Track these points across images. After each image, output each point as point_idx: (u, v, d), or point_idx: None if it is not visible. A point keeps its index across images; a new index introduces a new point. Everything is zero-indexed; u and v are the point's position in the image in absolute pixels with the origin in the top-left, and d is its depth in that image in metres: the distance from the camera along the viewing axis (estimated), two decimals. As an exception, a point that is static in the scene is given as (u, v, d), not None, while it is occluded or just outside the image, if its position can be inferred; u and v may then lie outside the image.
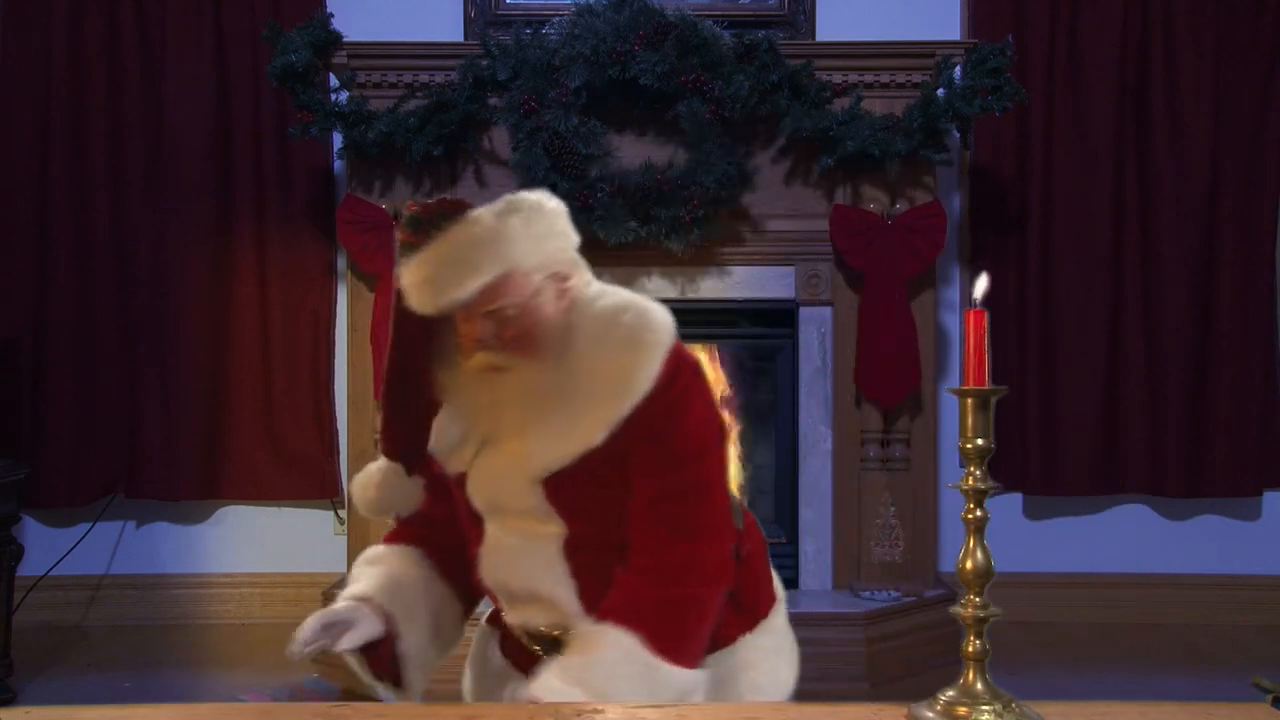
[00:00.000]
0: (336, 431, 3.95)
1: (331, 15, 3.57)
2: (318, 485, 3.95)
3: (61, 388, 3.87)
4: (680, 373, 1.56)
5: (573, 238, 1.61)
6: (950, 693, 1.25)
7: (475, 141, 3.50)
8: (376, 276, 3.48)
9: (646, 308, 1.60)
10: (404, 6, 3.94)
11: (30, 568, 3.67)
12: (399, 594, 1.68)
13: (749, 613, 1.69)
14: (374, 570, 1.71)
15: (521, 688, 1.63)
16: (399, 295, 1.58)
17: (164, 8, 3.88)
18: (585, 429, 1.52)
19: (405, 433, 1.66)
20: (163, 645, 3.73)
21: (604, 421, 1.52)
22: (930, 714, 1.25)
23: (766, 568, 1.76)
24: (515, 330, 1.52)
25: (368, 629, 1.63)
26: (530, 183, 3.34)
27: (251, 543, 4.02)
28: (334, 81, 3.55)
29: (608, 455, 1.52)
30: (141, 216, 3.90)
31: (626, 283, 1.68)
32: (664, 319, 1.59)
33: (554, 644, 1.61)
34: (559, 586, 1.57)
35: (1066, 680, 3.35)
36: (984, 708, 1.22)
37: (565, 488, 1.54)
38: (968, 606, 1.26)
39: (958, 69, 3.45)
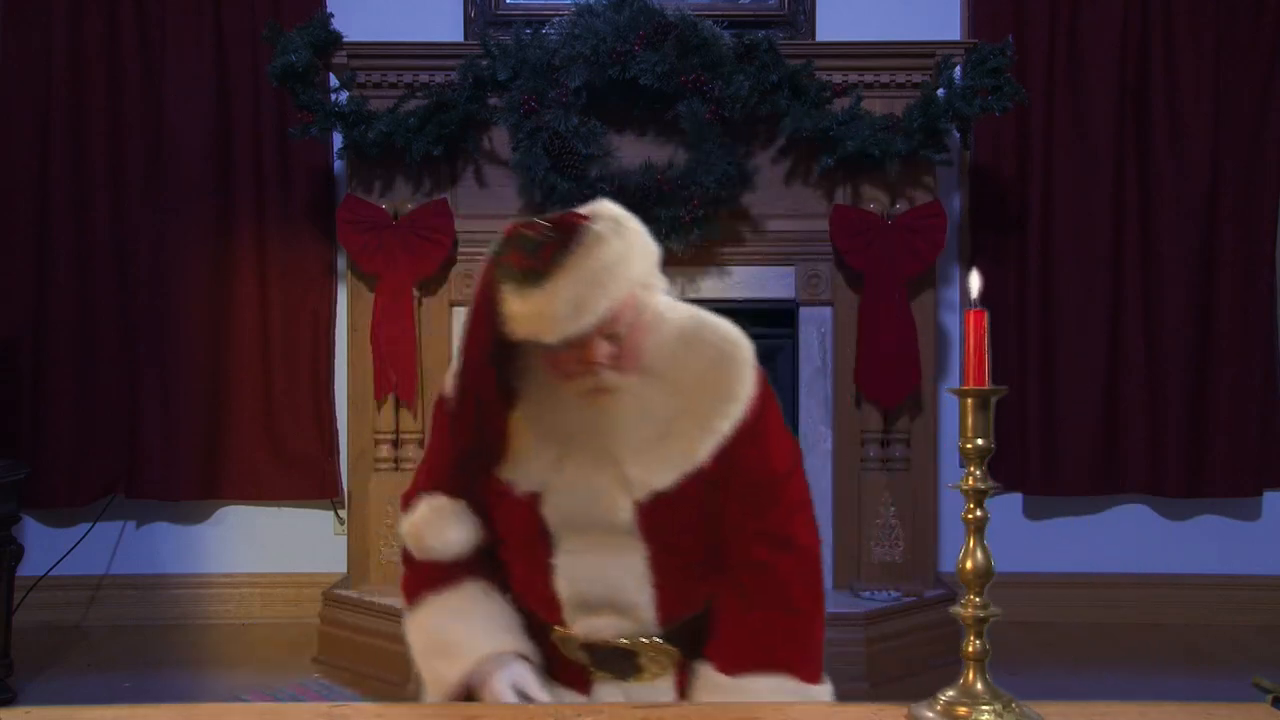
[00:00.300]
0: (336, 431, 3.95)
1: (331, 15, 3.57)
2: (318, 485, 3.95)
3: (61, 388, 3.87)
4: (766, 387, 1.57)
5: (657, 251, 1.57)
6: (950, 693, 1.25)
7: (475, 141, 3.50)
8: (376, 276, 3.48)
9: (716, 319, 1.61)
10: (404, 6, 3.94)
11: (30, 568, 3.66)
12: (509, 633, 1.63)
13: None
14: (469, 624, 1.61)
15: (565, 696, 1.63)
16: (482, 326, 1.46)
17: (164, 8, 3.88)
18: (691, 448, 1.52)
19: (477, 468, 1.58)
20: (163, 645, 3.73)
21: (709, 440, 1.52)
22: (930, 714, 1.25)
23: None
24: (625, 349, 1.48)
25: (533, 674, 1.60)
26: (530, 183, 3.34)
27: (251, 543, 4.01)
28: (334, 81, 3.54)
29: (710, 476, 1.52)
30: (141, 216, 3.90)
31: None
32: (739, 332, 1.59)
33: (613, 654, 1.59)
34: (641, 595, 1.56)
35: (1066, 680, 3.35)
36: (984, 708, 1.22)
37: (660, 507, 1.52)
38: (968, 606, 1.26)
39: (958, 69, 3.45)
